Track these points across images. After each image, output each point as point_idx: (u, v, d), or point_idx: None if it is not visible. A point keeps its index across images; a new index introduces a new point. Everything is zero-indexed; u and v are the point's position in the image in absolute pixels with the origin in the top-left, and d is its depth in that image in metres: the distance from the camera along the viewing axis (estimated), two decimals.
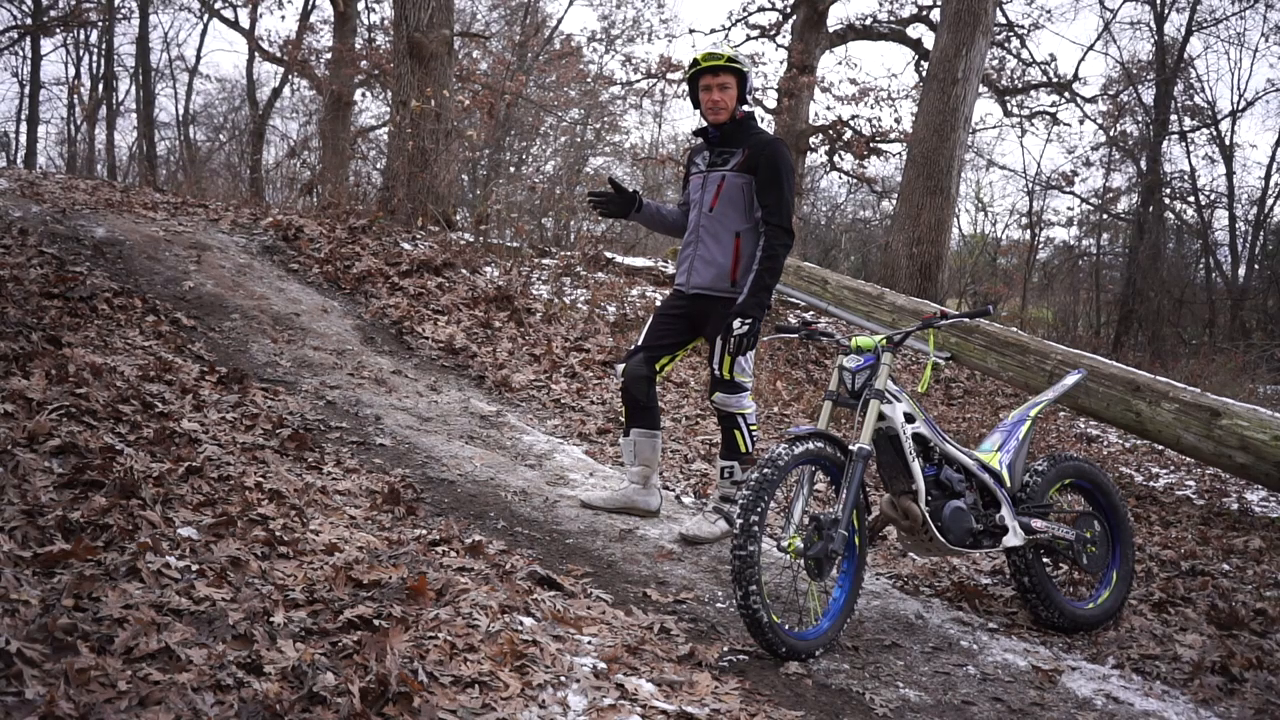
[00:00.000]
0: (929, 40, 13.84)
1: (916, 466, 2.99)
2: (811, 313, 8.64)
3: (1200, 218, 18.42)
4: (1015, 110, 17.14)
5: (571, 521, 3.57)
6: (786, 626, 2.74)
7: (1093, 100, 17.63)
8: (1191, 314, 17.30)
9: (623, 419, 3.70)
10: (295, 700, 1.94)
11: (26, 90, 19.79)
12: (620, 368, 3.67)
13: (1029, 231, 21.59)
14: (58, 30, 18.45)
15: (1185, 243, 19.03)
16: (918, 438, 3.03)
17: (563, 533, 3.44)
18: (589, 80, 18.12)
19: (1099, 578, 3.44)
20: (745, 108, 3.52)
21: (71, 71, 27.82)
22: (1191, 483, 6.12)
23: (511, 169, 17.58)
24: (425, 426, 4.34)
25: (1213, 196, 18.38)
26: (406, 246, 7.51)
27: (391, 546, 2.97)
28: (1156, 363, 11.77)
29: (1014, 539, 3.12)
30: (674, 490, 4.33)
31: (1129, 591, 3.47)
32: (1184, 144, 18.24)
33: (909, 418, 3.02)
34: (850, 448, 2.86)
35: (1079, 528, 3.38)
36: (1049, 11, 32.57)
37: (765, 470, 2.72)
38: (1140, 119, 18.53)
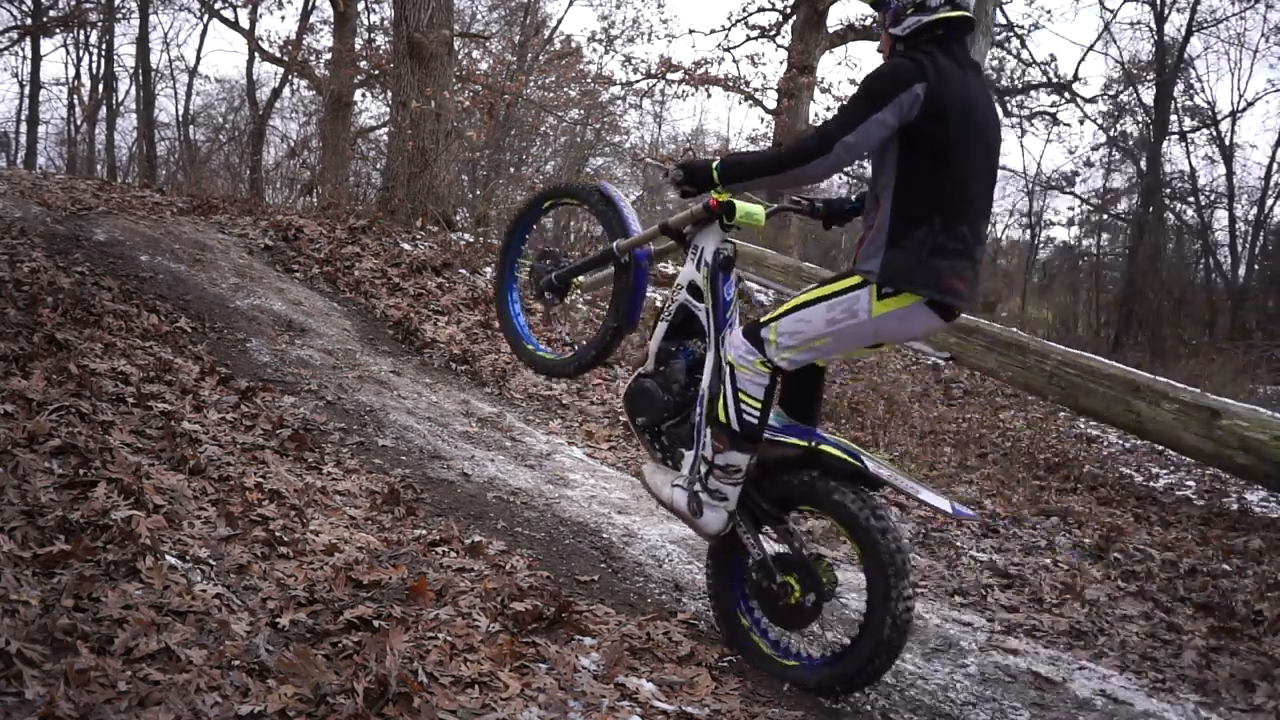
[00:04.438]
0: None
1: (660, 327, 2.90)
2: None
3: (1200, 218, 18.43)
4: (1015, 110, 17.15)
5: (572, 522, 3.57)
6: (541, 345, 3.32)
7: (1093, 100, 17.66)
8: (1191, 314, 17.30)
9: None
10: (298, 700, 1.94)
11: (26, 90, 19.80)
12: None
13: (1029, 232, 21.60)
14: (58, 30, 18.45)
15: (1185, 243, 19.04)
16: (685, 309, 2.83)
17: (562, 533, 3.44)
18: (589, 80, 18.11)
19: None
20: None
21: (71, 71, 27.83)
22: (1191, 483, 6.11)
23: (511, 169, 17.59)
24: (425, 427, 4.34)
25: (1213, 196, 18.40)
26: (406, 247, 7.51)
27: (391, 547, 2.97)
28: (1156, 363, 11.77)
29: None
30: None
31: None
32: (1184, 144, 18.26)
33: (694, 290, 2.80)
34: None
35: None
36: (1049, 11, 32.56)
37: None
38: (1140, 119, 18.55)
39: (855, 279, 2.51)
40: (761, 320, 2.62)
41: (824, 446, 2.57)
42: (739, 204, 2.72)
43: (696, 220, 2.78)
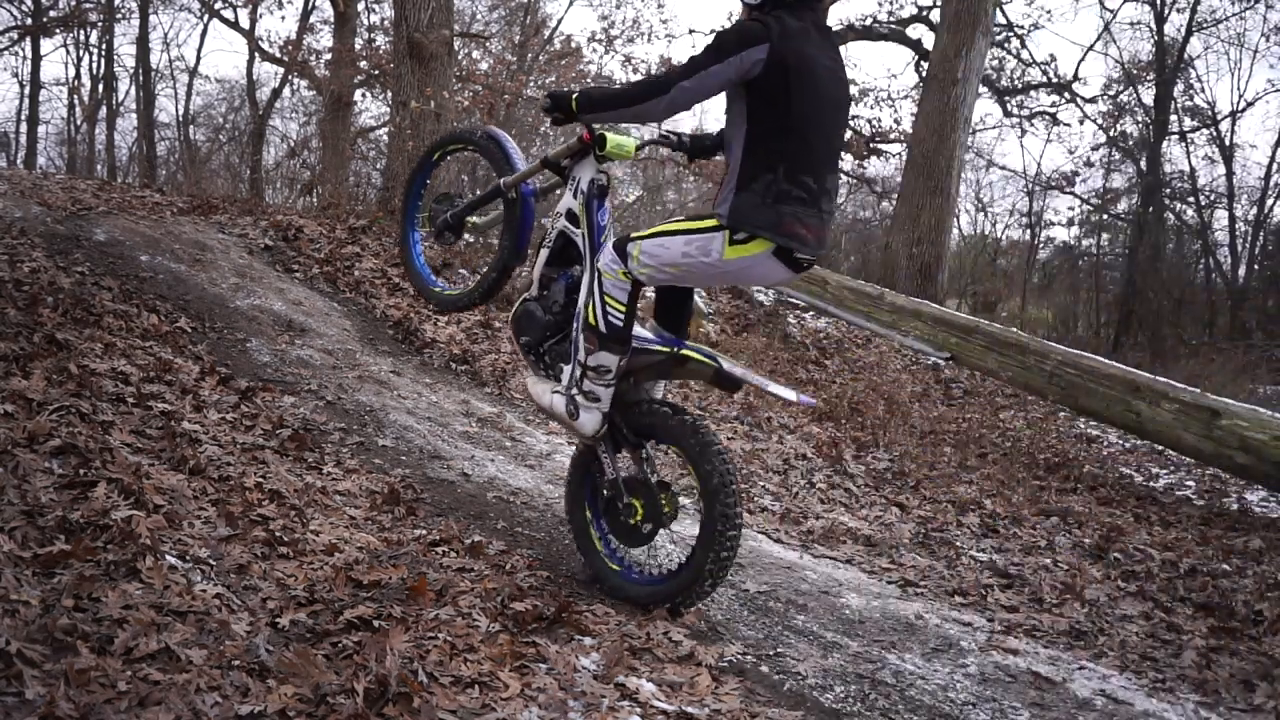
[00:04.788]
0: (929, 41, 13.83)
1: (542, 254, 3.15)
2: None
3: (1200, 218, 18.42)
4: (1015, 110, 17.15)
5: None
6: (440, 282, 3.60)
7: (1093, 100, 17.64)
8: (1191, 314, 17.30)
9: None
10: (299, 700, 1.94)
11: (26, 90, 19.80)
12: None
13: (1029, 232, 21.61)
14: (58, 30, 18.46)
15: (1185, 243, 19.04)
16: (564, 236, 3.09)
17: (562, 533, 3.44)
18: (589, 80, 18.11)
19: None
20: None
21: (71, 71, 27.88)
22: (1191, 483, 6.12)
23: None
24: (425, 427, 4.34)
25: (1213, 196, 18.39)
26: None
27: (391, 547, 2.97)
28: (1156, 363, 11.77)
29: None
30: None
31: None
32: (1184, 144, 18.25)
33: (571, 217, 3.07)
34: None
35: None
36: (1049, 11, 32.60)
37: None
38: (1140, 119, 18.54)
39: (713, 221, 2.75)
40: (631, 236, 2.88)
41: (685, 351, 2.86)
42: (610, 136, 2.98)
43: (573, 153, 3.05)
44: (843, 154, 2.80)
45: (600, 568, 3.01)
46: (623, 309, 2.87)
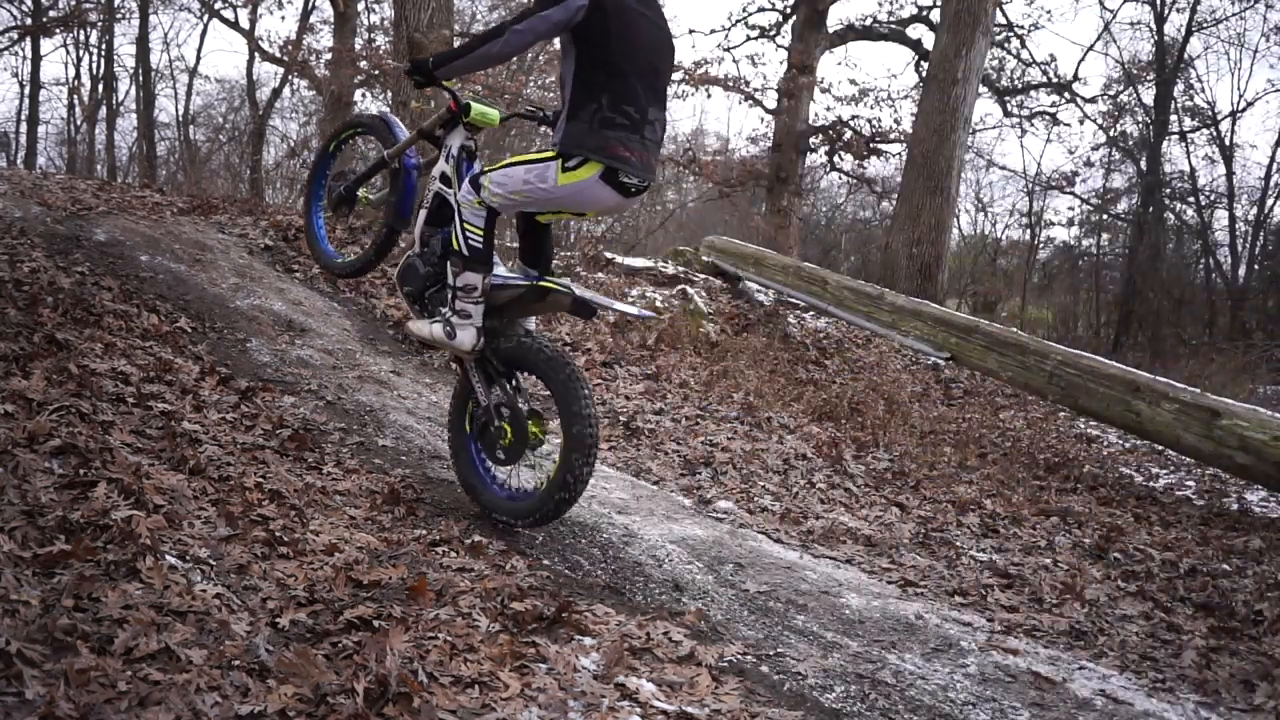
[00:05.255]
0: (929, 41, 13.84)
1: (421, 214, 3.52)
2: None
3: (1200, 218, 18.42)
4: (1015, 110, 17.15)
5: (572, 522, 3.57)
6: (336, 252, 4.08)
7: (1093, 100, 17.64)
8: (1191, 314, 17.30)
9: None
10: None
11: (26, 90, 19.80)
12: None
13: (1029, 232, 21.60)
14: (58, 30, 18.46)
15: (1185, 243, 19.04)
16: (439, 196, 3.46)
17: (562, 533, 3.44)
18: None
19: None
20: None
21: (71, 71, 27.89)
22: (1191, 483, 6.12)
23: None
24: (425, 427, 4.34)
25: (1213, 196, 18.39)
26: (405, 246, 7.51)
27: (391, 547, 2.97)
28: (1156, 363, 11.77)
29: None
30: (672, 488, 4.33)
31: None
32: (1184, 144, 18.25)
33: (445, 179, 3.45)
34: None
35: None
36: (1049, 11, 32.61)
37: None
38: (1140, 119, 18.54)
39: (550, 152, 3.12)
40: (482, 170, 3.28)
41: (543, 283, 3.24)
42: (474, 105, 3.39)
43: (443, 122, 3.46)
44: (667, 91, 3.28)
45: (474, 484, 3.38)
46: (481, 233, 3.28)
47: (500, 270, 3.36)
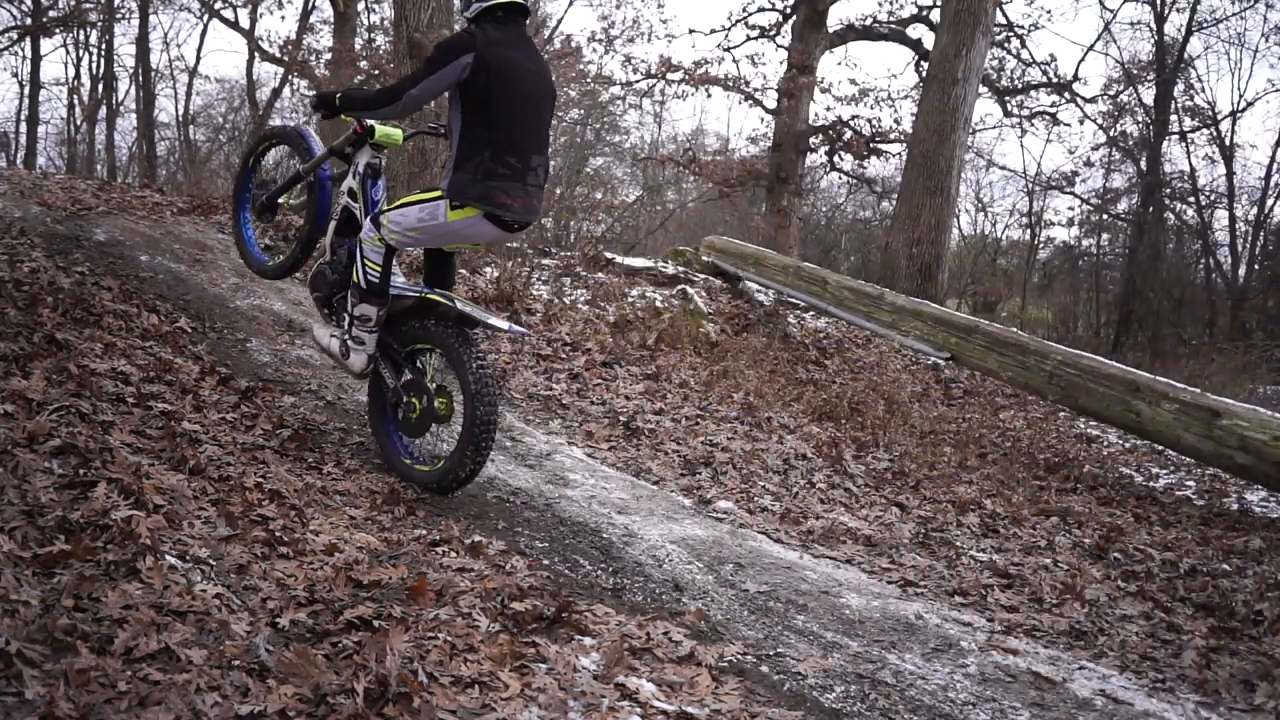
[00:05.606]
0: (929, 40, 13.84)
1: (331, 225, 3.86)
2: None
3: (1200, 218, 18.42)
4: (1015, 110, 17.15)
5: (572, 522, 3.57)
6: (264, 256, 4.38)
7: (1093, 100, 17.65)
8: (1191, 314, 17.29)
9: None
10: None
11: (26, 90, 19.79)
12: None
13: (1029, 232, 21.60)
14: (58, 30, 18.46)
15: (1185, 243, 19.04)
16: (347, 209, 3.80)
17: (562, 533, 3.44)
18: (589, 80, 18.11)
19: None
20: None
21: (71, 71, 27.88)
22: (1191, 483, 6.12)
23: None
24: None
25: (1213, 196, 18.39)
26: None
27: (391, 547, 2.97)
28: (1156, 363, 11.77)
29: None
30: (672, 488, 4.33)
31: None
32: (1184, 144, 18.25)
33: (351, 194, 3.79)
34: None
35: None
36: (1049, 11, 32.58)
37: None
38: (1140, 119, 18.54)
39: (438, 193, 3.43)
40: (382, 209, 3.60)
41: (429, 295, 3.55)
42: (378, 128, 3.70)
43: (351, 142, 3.78)
44: (549, 133, 3.61)
45: (391, 456, 3.69)
46: (378, 269, 3.58)
47: (399, 281, 3.69)
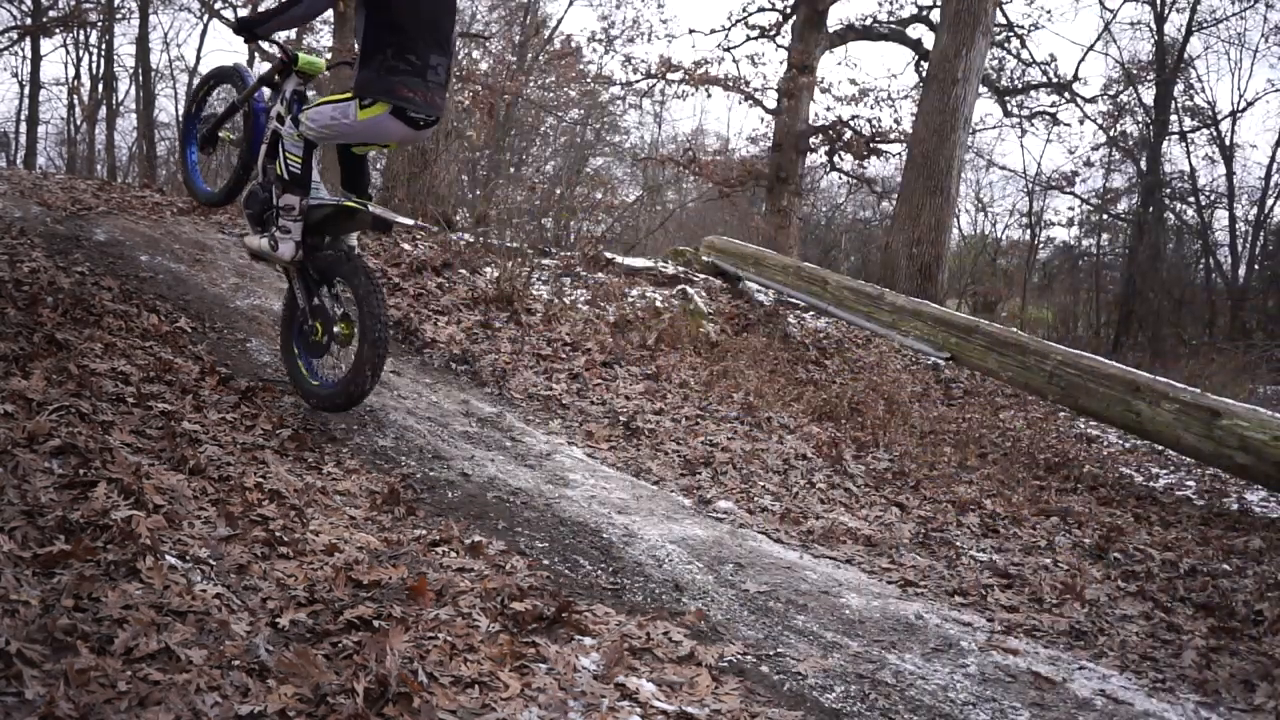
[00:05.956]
0: (929, 40, 13.84)
1: (263, 149, 4.12)
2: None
3: (1200, 218, 18.42)
4: (1015, 110, 17.15)
5: (572, 522, 3.57)
6: (207, 187, 4.74)
7: (1093, 100, 17.65)
8: (1191, 314, 17.30)
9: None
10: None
11: (26, 90, 19.79)
12: None
13: (1029, 232, 21.61)
14: (58, 30, 18.45)
15: (1185, 243, 19.04)
16: (276, 133, 4.06)
17: (562, 533, 3.44)
18: (589, 80, 18.12)
19: None
20: None
21: (71, 71, 27.83)
22: (1191, 483, 6.12)
23: (511, 169, 17.57)
24: (425, 427, 4.34)
25: (1213, 196, 18.39)
26: (406, 247, 7.51)
27: (391, 547, 2.97)
28: (1156, 363, 11.77)
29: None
30: (672, 488, 4.33)
31: None
32: (1184, 144, 18.26)
33: (279, 118, 4.06)
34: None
35: None
36: (1049, 11, 32.54)
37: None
38: (1140, 119, 18.55)
39: (349, 94, 3.75)
40: (301, 109, 3.96)
41: (346, 203, 3.91)
42: (302, 56, 4.08)
43: (278, 70, 4.13)
44: (450, 40, 3.98)
45: (297, 376, 4.06)
46: (299, 160, 3.95)
47: (322, 193, 4.02)
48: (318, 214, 3.95)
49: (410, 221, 3.89)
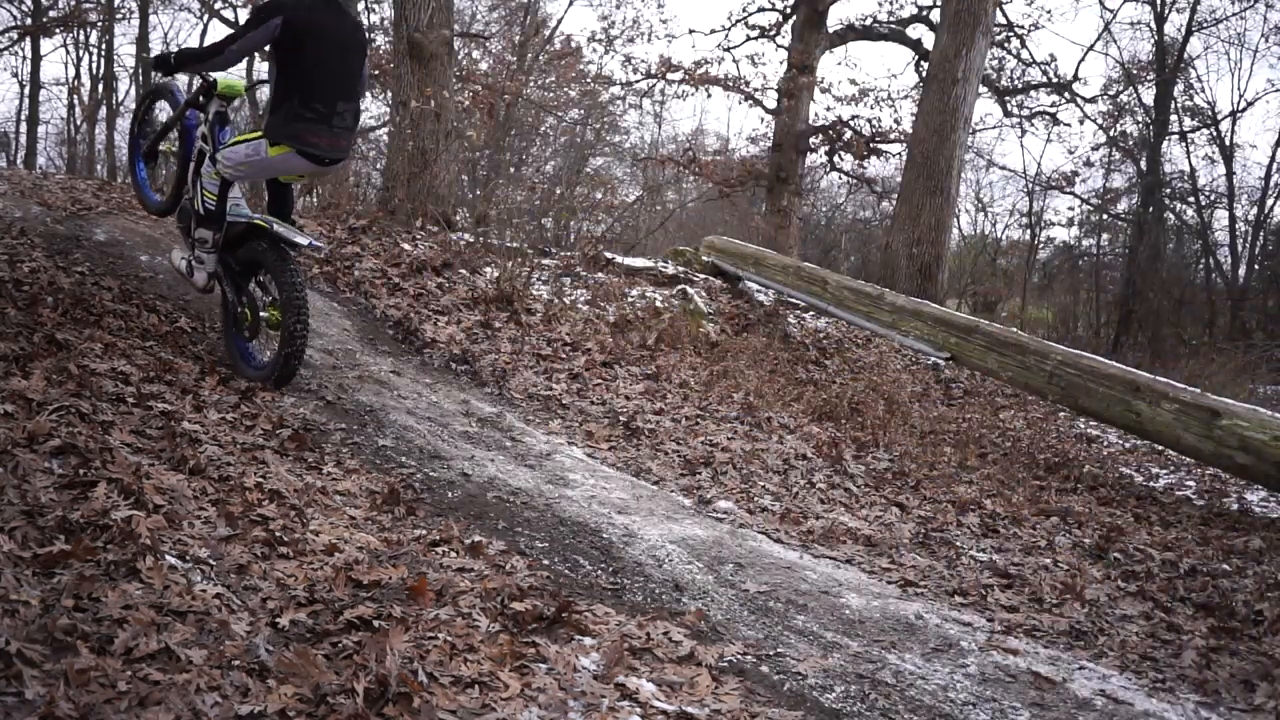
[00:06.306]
0: (929, 40, 13.84)
1: (192, 166, 4.45)
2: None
3: (1200, 218, 18.42)
4: (1015, 110, 17.14)
5: (572, 522, 3.57)
6: (155, 196, 5.02)
7: (1093, 100, 17.64)
8: (1191, 314, 17.29)
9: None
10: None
11: (26, 90, 19.78)
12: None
13: (1029, 232, 21.60)
14: (58, 30, 18.44)
15: (1185, 243, 19.03)
16: (201, 151, 4.41)
17: (562, 533, 3.44)
18: (589, 80, 18.11)
19: None
20: None
21: (71, 71, 27.84)
22: (1191, 483, 6.12)
23: (511, 169, 17.57)
24: (425, 427, 4.34)
25: (1213, 196, 18.38)
26: (406, 247, 7.51)
27: (391, 547, 2.97)
28: (1156, 363, 11.77)
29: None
30: (672, 488, 4.33)
31: None
32: (1184, 144, 18.24)
33: (204, 138, 4.39)
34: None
35: None
36: (1049, 11, 32.52)
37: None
38: (1140, 119, 18.54)
39: (260, 134, 4.12)
40: (218, 148, 4.28)
41: (255, 220, 4.26)
42: (222, 79, 4.39)
43: (202, 91, 4.43)
44: (359, 82, 4.27)
45: (234, 359, 4.40)
46: (214, 198, 4.29)
47: (241, 210, 4.37)
48: (234, 229, 4.32)
49: (307, 241, 4.21)
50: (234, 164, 4.20)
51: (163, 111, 5.04)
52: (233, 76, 4.42)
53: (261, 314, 4.28)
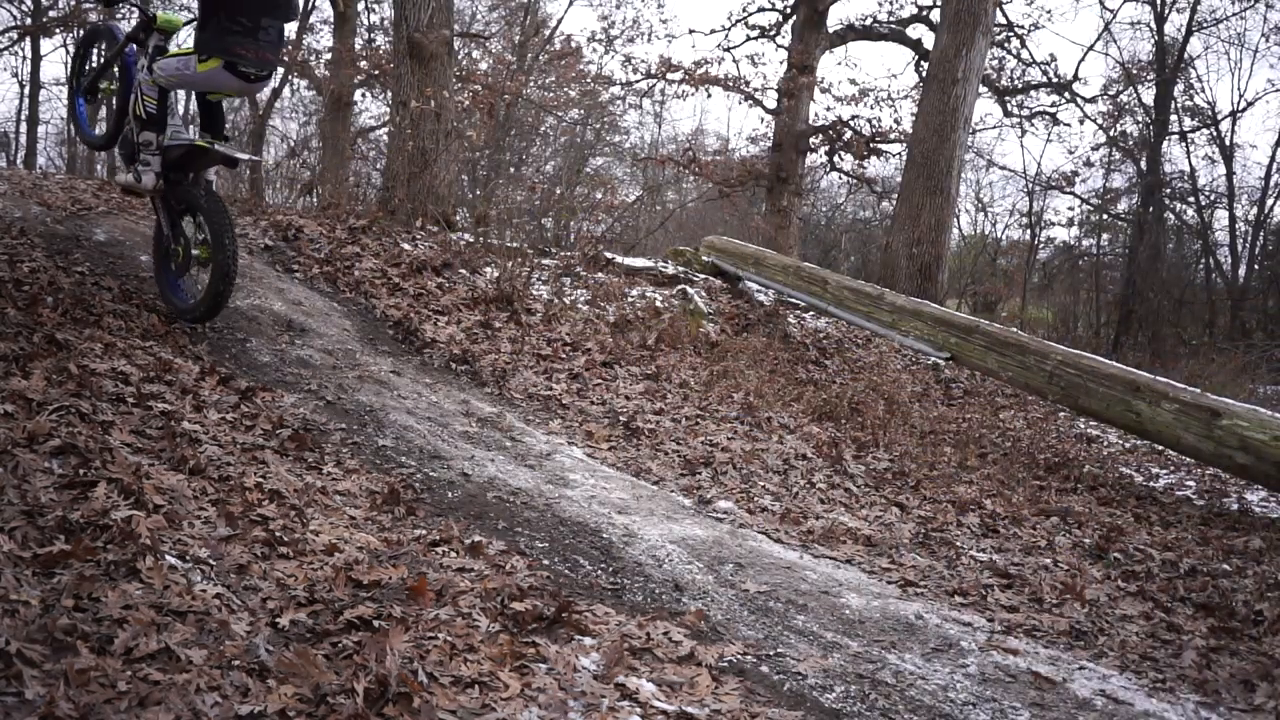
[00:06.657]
0: (929, 40, 13.84)
1: (133, 95, 4.63)
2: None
3: (1200, 218, 18.42)
4: (1015, 110, 17.15)
5: (572, 522, 3.57)
6: (92, 131, 5.46)
7: (1093, 100, 17.64)
8: (1191, 314, 17.29)
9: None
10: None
11: (26, 90, 19.79)
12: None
13: (1029, 232, 21.60)
14: (58, 30, 18.43)
15: (1185, 243, 19.04)
16: (144, 83, 4.58)
17: (562, 533, 3.44)
18: (589, 80, 18.11)
19: None
20: None
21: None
22: (1191, 483, 6.12)
23: (511, 169, 17.58)
24: (425, 427, 4.34)
25: (1213, 196, 18.39)
26: (406, 247, 7.51)
27: (391, 547, 2.97)
28: (1156, 363, 11.77)
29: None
30: (672, 488, 4.33)
31: None
32: (1184, 144, 18.25)
33: (144, 69, 4.58)
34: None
35: None
36: (1049, 11, 32.56)
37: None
38: (1140, 119, 18.54)
39: (190, 49, 4.31)
40: (155, 60, 4.51)
41: (199, 142, 4.47)
42: (160, 15, 4.59)
43: (142, 27, 4.63)
44: (281, 5, 4.43)
45: (166, 294, 4.74)
46: (155, 102, 4.55)
47: (182, 134, 4.61)
48: (175, 151, 4.54)
49: (246, 156, 4.61)
50: (167, 74, 4.44)
51: (102, 54, 5.18)
52: (171, 11, 4.71)
53: (193, 251, 4.57)
